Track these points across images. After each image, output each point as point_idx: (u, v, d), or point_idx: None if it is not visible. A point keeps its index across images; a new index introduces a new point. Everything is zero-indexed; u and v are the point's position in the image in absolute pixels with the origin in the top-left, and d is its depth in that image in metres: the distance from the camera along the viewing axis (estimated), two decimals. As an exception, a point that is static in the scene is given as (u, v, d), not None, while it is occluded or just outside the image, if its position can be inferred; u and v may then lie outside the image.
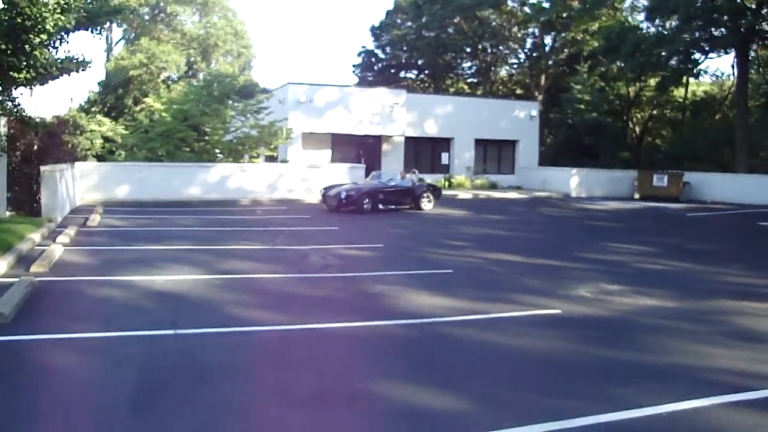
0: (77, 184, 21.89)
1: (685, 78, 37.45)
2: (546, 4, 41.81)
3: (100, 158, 27.86)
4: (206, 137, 25.97)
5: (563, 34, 44.61)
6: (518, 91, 52.08)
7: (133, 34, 53.02)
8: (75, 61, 15.07)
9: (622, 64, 36.33)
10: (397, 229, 17.39)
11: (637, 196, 33.00)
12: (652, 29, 35.08)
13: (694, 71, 35.33)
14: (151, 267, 10.74)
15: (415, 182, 22.79)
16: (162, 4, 50.65)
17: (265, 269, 10.91)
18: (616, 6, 40.81)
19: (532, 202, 28.26)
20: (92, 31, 16.24)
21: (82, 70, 15.11)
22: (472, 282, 10.35)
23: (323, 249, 13.23)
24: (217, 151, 26.36)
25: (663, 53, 32.50)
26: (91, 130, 26.72)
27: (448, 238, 15.65)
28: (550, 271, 11.49)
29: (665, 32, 33.15)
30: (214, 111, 25.66)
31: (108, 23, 53.74)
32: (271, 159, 30.45)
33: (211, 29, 52.25)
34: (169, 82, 47.19)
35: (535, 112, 36.62)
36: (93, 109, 45.07)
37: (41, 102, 55.12)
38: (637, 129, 46.07)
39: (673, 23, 34.31)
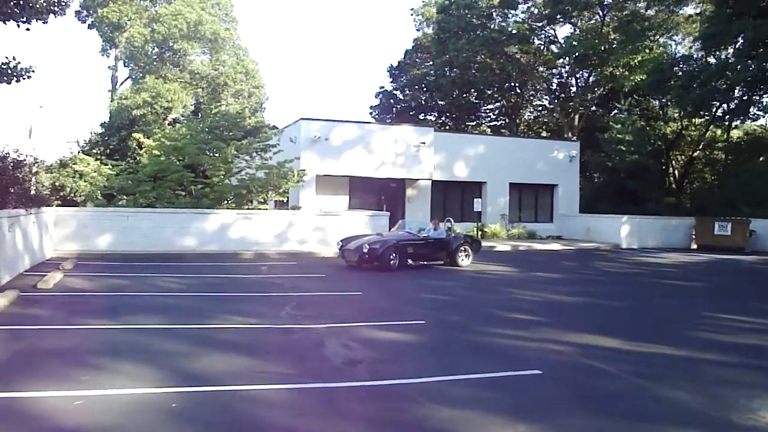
0: (48, 233, 18.33)
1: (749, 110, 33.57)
2: (575, 42, 38.79)
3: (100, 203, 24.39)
4: (205, 180, 22.40)
5: (597, 71, 41.21)
6: (543, 134, 48.79)
7: (140, 74, 50.34)
8: (6, 66, 11.82)
9: (674, 99, 32.74)
10: (437, 295, 13.62)
11: (694, 246, 29.28)
12: (710, 59, 31.37)
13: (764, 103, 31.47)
14: (81, 367, 7.00)
15: (450, 233, 19.09)
16: (170, 42, 47.84)
17: (256, 372, 7.13)
18: (659, 38, 37.39)
19: (580, 255, 24.43)
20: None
21: (23, 79, 11.78)
22: (582, 397, 6.56)
23: (344, 329, 9.46)
24: (228, 197, 22.78)
25: (725, 84, 28.81)
26: (75, 172, 23.31)
27: (506, 309, 11.83)
28: (681, 369, 7.74)
29: (728, 61, 29.43)
30: (213, 149, 22.15)
31: (114, 62, 51.96)
32: (281, 205, 26.87)
33: (221, 68, 49.40)
34: (177, 125, 44.05)
35: (575, 153, 32.97)
36: (94, 151, 41.97)
37: (41, 142, 52.27)
38: (676, 172, 42.32)
39: (730, 51, 30.70)
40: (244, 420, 5.62)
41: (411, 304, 12.10)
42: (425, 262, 18.17)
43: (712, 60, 31.15)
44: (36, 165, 17.55)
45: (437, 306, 12.06)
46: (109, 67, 53.31)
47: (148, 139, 22.48)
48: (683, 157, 42.39)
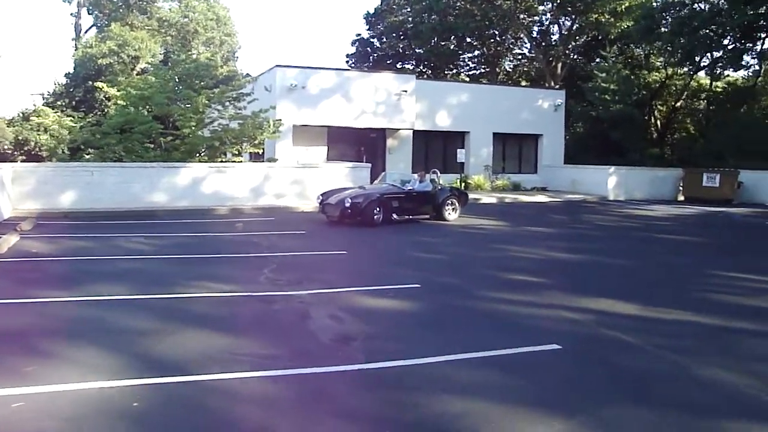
0: (5, 191, 17.01)
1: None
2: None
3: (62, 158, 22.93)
4: (175, 132, 21.01)
5: (581, 17, 39.89)
6: (524, 83, 47.51)
7: (105, 22, 48.08)
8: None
9: (663, 47, 31.64)
10: (428, 253, 12.63)
11: (681, 198, 28.55)
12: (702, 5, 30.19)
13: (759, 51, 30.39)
14: (26, 355, 5.91)
15: (435, 186, 18.06)
16: (136, -14, 45.64)
17: (232, 355, 6.07)
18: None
19: (568, 207, 23.56)
20: None
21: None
22: (615, 379, 5.63)
23: (330, 295, 8.46)
24: (201, 150, 21.42)
25: (717, 31, 27.74)
26: (38, 125, 21.84)
27: (505, 269, 10.89)
28: (712, 340, 6.90)
29: (721, 6, 28.26)
30: (183, 98, 20.71)
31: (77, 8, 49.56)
32: (256, 158, 25.58)
33: (190, 14, 47.30)
34: (145, 74, 42.16)
35: (560, 102, 31.82)
36: (58, 103, 40.12)
37: (2, 94, 50.08)
38: (659, 123, 41.46)
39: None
40: (217, 420, 4.61)
41: (401, 265, 11.11)
42: (410, 217, 17.14)
43: (703, 6, 29.92)
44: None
45: (430, 266, 11.08)
46: (71, 14, 50.82)
47: (113, 88, 20.95)
48: (666, 107, 41.56)
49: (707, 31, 28.28)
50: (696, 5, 29.87)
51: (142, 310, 7.58)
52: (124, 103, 20.52)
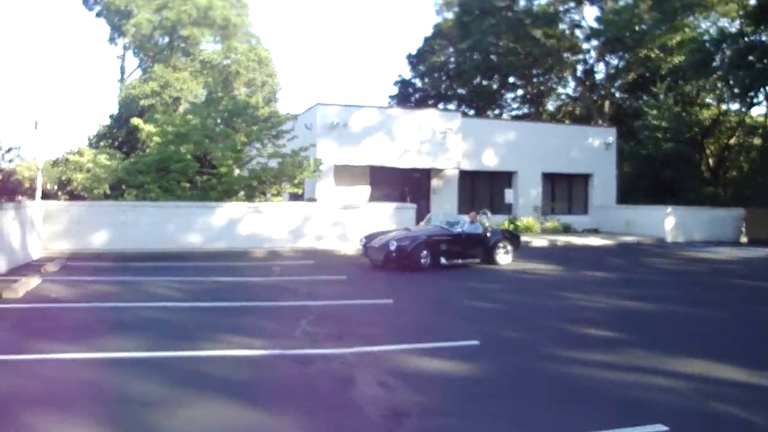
0: (34, 230, 16.28)
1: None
2: (606, 24, 36.23)
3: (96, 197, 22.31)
4: (212, 170, 20.20)
5: (630, 54, 38.62)
6: (568, 123, 46.14)
7: (149, 63, 48.37)
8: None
9: (721, 80, 30.15)
10: (482, 301, 11.38)
11: (744, 239, 26.81)
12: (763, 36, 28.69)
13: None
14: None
15: (486, 228, 16.85)
16: (179, 29, 45.77)
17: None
18: (698, 17, 34.68)
19: (625, 250, 22.08)
20: None
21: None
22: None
23: (376, 355, 7.27)
24: (238, 190, 20.55)
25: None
26: (68, 161, 21.26)
27: (572, 321, 9.56)
28: None
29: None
30: (221, 136, 19.92)
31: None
32: (296, 198, 24.67)
33: (232, 55, 47.24)
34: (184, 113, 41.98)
35: (611, 139, 30.50)
36: (101, 143, 40.05)
37: (51, 139, 50.27)
38: (710, 161, 39.65)
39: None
40: None
41: (455, 316, 9.88)
42: (460, 261, 15.92)
43: (763, 37, 28.41)
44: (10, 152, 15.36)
45: (487, 318, 9.82)
46: (117, 56, 51.40)
47: (150, 125, 20.30)
48: (717, 145, 39.85)
49: (766, 63, 26.74)
50: (754, 37, 28.38)
51: (155, 372, 6.47)
52: (161, 141, 19.81)
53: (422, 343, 7.83)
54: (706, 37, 30.72)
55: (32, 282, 11.68)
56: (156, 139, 19.82)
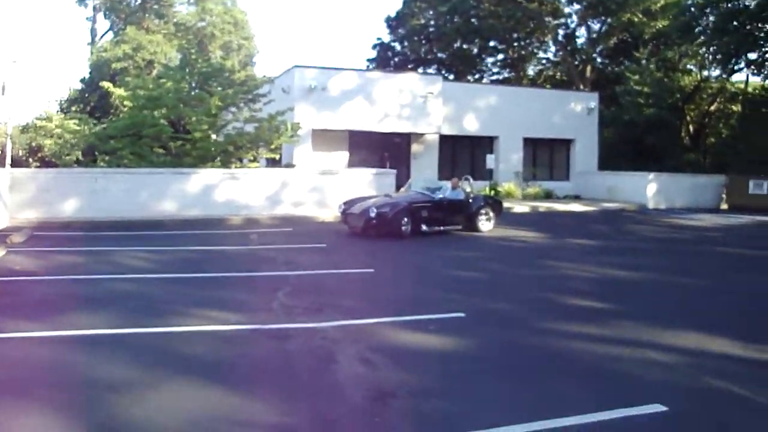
0: (0, 199, 15.66)
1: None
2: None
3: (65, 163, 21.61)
4: (187, 135, 19.55)
5: (613, 18, 38.10)
6: (549, 88, 45.66)
7: (121, 26, 47.04)
8: None
9: (706, 45, 29.80)
10: (466, 270, 11.04)
11: (725, 206, 26.73)
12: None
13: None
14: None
15: (468, 194, 16.49)
16: (152, -11, 44.53)
17: (233, 421, 4.55)
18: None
19: (608, 216, 21.86)
20: None
21: None
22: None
23: (359, 329, 6.90)
24: (214, 155, 19.92)
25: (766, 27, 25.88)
26: (39, 128, 20.53)
27: (560, 291, 9.25)
28: None
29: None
30: (195, 99, 19.25)
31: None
32: (273, 164, 24.10)
33: (207, 17, 46.09)
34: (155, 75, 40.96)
35: (593, 105, 30.15)
36: (73, 108, 39.01)
37: (20, 104, 48.97)
38: (691, 127, 39.46)
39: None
40: None
41: (438, 286, 9.52)
42: (441, 228, 15.55)
43: (748, 1, 27.95)
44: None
45: (472, 288, 9.47)
46: (87, 18, 49.89)
47: (121, 89, 19.56)
48: (698, 111, 39.66)
49: (753, 26, 26.36)
50: (738, 1, 27.96)
51: (123, 351, 6.04)
52: (132, 105, 19.10)
53: (406, 316, 7.48)
54: (690, 1, 30.19)
55: (-3, 252, 11.16)
56: (127, 103, 19.11)
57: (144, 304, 7.98)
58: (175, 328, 6.85)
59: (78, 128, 19.10)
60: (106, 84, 19.81)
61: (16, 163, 34.84)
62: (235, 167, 20.02)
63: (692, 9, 28.96)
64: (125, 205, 17.47)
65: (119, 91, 19.19)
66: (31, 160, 38.17)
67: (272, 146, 20.75)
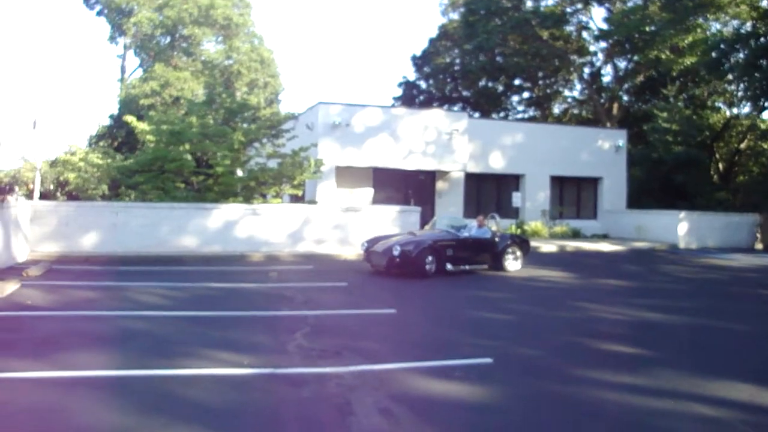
0: (20, 231, 15.49)
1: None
2: (615, 25, 35.37)
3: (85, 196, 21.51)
4: (209, 171, 19.33)
5: (640, 55, 37.73)
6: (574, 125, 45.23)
7: (150, 63, 47.62)
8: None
9: (738, 80, 29.29)
10: (493, 312, 10.52)
11: (759, 246, 25.96)
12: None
13: None
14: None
15: (495, 232, 16.02)
16: (181, 29, 45.00)
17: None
18: (710, 17, 33.80)
19: (638, 256, 21.22)
20: None
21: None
22: None
23: (379, 375, 6.44)
24: (236, 191, 19.67)
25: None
26: (64, 161, 20.48)
27: (592, 335, 8.73)
28: None
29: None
30: (218, 134, 19.06)
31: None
32: (296, 201, 23.84)
33: (234, 55, 46.50)
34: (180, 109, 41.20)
35: (622, 142, 29.64)
36: (101, 143, 39.34)
37: (50, 139, 49.61)
38: (720, 165, 38.72)
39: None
40: None
41: (464, 329, 9.03)
42: (467, 267, 15.08)
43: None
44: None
45: (499, 331, 8.98)
46: (118, 56, 50.69)
47: (144, 123, 19.47)
48: (727, 148, 38.98)
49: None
50: (768, 39, 27.49)
51: (124, 395, 5.65)
52: (155, 139, 18.98)
53: (430, 361, 7.03)
54: (719, 38, 29.76)
55: (8, 287, 10.88)
56: (150, 137, 18.98)
57: (153, 343, 7.60)
58: (183, 370, 6.44)
59: (101, 162, 19.00)
60: (129, 118, 19.70)
61: (44, 196, 35.16)
62: (258, 203, 19.77)
63: (722, 45, 28.43)
64: (145, 239, 17.24)
65: (142, 125, 19.08)
66: (59, 194, 38.48)
67: (295, 182, 20.49)
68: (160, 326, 8.64)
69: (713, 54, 29.34)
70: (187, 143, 18.96)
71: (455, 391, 6.06)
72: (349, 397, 5.72)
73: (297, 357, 7.10)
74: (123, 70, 50.78)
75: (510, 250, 15.75)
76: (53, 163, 40.22)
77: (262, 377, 6.34)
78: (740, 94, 33.06)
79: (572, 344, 8.24)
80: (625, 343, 8.32)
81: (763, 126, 36.41)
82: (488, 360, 7.10)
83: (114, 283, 12.38)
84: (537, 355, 7.58)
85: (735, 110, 36.11)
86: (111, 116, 44.38)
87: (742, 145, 37.43)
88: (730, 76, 30.89)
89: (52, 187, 38.83)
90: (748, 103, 33.10)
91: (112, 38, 48.67)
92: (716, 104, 37.93)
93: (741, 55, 28.55)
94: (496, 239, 15.68)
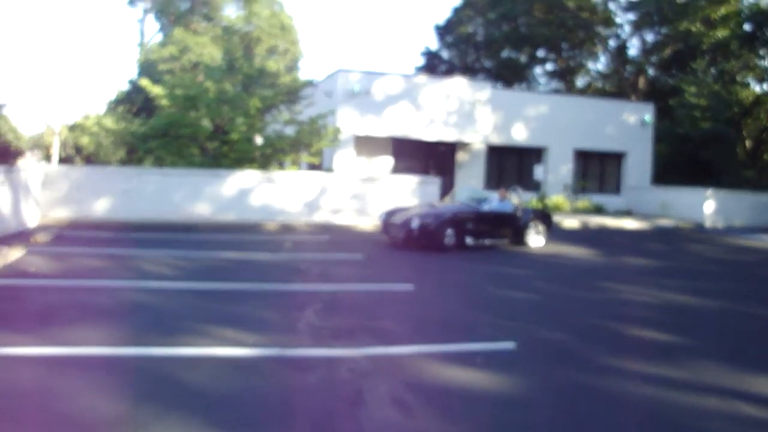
0: (30, 196, 15.16)
1: None
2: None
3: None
4: (225, 137, 18.84)
5: (669, 27, 36.62)
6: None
7: (170, 27, 47.08)
8: None
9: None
10: (516, 290, 10.02)
11: (790, 227, 25.10)
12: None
13: None
14: None
15: (517, 206, 15.45)
16: (201, -8, 44.39)
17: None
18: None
19: (664, 235, 20.57)
20: None
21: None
22: None
23: (393, 360, 5.98)
24: (252, 157, 19.19)
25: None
26: (79, 126, 20.09)
27: (622, 319, 8.20)
28: None
29: None
30: (233, 99, 18.51)
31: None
32: (313, 168, 23.35)
33: (255, 20, 45.80)
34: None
35: (648, 117, 28.76)
36: (120, 109, 39.00)
37: (69, 104, 49.48)
38: (747, 142, 37.60)
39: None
40: None
41: (485, 309, 8.53)
42: (488, 242, 14.55)
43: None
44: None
45: (522, 312, 8.48)
46: (138, 20, 50.11)
47: (158, 87, 18.96)
48: (756, 125, 37.83)
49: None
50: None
51: (119, 376, 5.24)
52: (169, 104, 18.49)
53: (448, 344, 6.56)
54: (754, 10, 28.68)
55: (13, 254, 10.54)
56: (164, 102, 18.49)
57: (156, 318, 7.19)
58: (183, 349, 6.02)
59: (114, 127, 18.57)
60: (144, 82, 19.18)
61: (65, 161, 35.08)
62: (274, 171, 19.30)
63: (757, 18, 27.40)
64: (158, 205, 16.88)
65: (156, 89, 18.58)
66: (78, 158, 38.32)
67: (312, 150, 19.96)
68: (165, 299, 8.23)
69: (747, 27, 28.28)
70: (203, 108, 18.45)
71: (476, 381, 5.57)
72: (360, 385, 5.26)
73: (307, 337, 6.65)
74: (142, 34, 50.37)
75: (532, 224, 15.18)
76: (72, 128, 40.10)
77: (268, 360, 5.89)
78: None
79: (600, 328, 7.73)
80: (657, 328, 7.79)
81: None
82: (511, 344, 6.61)
83: (123, 250, 12.00)
84: (563, 340, 7.08)
85: (766, 86, 34.97)
86: (130, 81, 43.97)
87: (770, 123, 36.32)
88: (762, 51, 29.77)
89: (69, 151, 38.72)
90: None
91: (132, 1, 48.16)
92: (746, 80, 36.80)
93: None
94: (519, 213, 15.11)
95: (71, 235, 13.80)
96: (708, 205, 24.45)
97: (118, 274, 9.68)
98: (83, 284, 8.86)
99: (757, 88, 35.97)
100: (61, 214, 16.32)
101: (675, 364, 6.31)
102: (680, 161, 34.28)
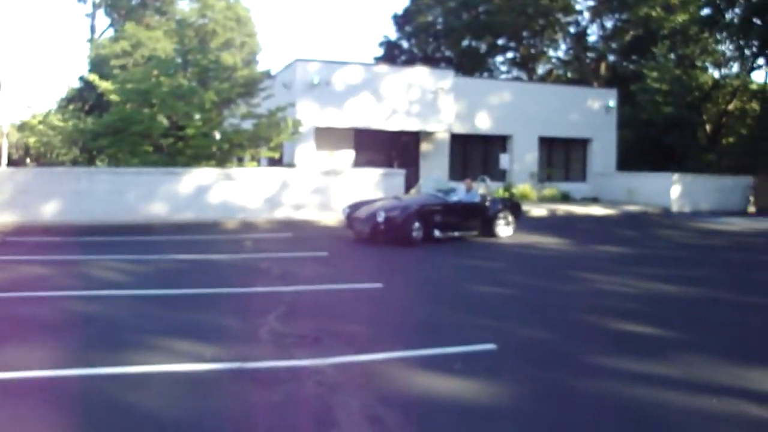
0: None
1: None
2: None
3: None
4: (179, 132, 18.06)
5: (629, 12, 36.62)
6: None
7: (121, 23, 45.75)
8: None
9: (735, 36, 28.24)
10: (489, 285, 9.54)
11: (752, 209, 25.15)
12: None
13: None
14: None
15: (485, 196, 15.01)
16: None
17: None
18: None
19: (632, 221, 20.37)
20: None
21: None
22: None
23: (364, 368, 5.44)
24: (209, 154, 18.43)
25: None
26: (25, 125, 19.06)
27: (601, 312, 7.77)
28: None
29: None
30: (187, 93, 17.74)
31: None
32: (273, 163, 22.66)
33: (209, 13, 44.72)
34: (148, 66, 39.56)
35: (612, 103, 28.64)
36: (71, 107, 37.71)
37: (17, 103, 47.69)
38: (707, 126, 37.74)
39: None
40: None
41: (460, 307, 8.03)
42: (456, 233, 14.08)
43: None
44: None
45: (499, 308, 8.01)
46: (86, 14, 48.57)
47: (107, 82, 18.08)
48: (716, 109, 38.02)
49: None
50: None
51: (56, 401, 4.61)
52: (119, 99, 17.65)
53: (424, 349, 6.03)
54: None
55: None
56: (114, 97, 17.64)
57: (102, 331, 6.54)
58: (133, 367, 5.37)
59: (61, 124, 17.66)
60: (92, 77, 18.27)
61: (13, 163, 33.71)
62: (232, 167, 18.59)
63: (717, 1, 27.35)
64: (111, 207, 16.06)
65: (105, 84, 17.70)
66: (28, 159, 37.00)
67: (272, 144, 19.26)
68: (114, 309, 7.56)
69: (705, 11, 28.26)
70: (155, 103, 17.64)
71: (457, 390, 5.05)
72: (330, 401, 4.71)
73: (269, 346, 6.07)
74: (93, 29, 48.74)
75: (501, 215, 14.76)
76: (20, 128, 38.66)
77: (227, 374, 5.30)
78: (728, 54, 32.02)
79: (582, 323, 7.29)
80: (640, 321, 7.36)
81: (753, 86, 35.57)
82: (491, 346, 6.12)
83: (71, 256, 11.26)
84: (545, 339, 6.61)
85: (724, 70, 35.11)
86: (81, 78, 42.60)
87: (730, 107, 36.49)
88: (719, 36, 29.81)
89: (22, 153, 37.41)
90: (736, 64, 32.13)
91: (80, -4, 46.67)
92: (705, 65, 36.93)
93: (737, 11, 27.55)
94: (487, 203, 14.67)
95: (16, 240, 13.01)
96: (674, 190, 24.38)
97: (65, 283, 8.96)
98: (24, 295, 8.12)
99: (715, 73, 36.11)
100: (6, 219, 15.40)
101: (666, 360, 5.88)
102: (644, 147, 34.28)
